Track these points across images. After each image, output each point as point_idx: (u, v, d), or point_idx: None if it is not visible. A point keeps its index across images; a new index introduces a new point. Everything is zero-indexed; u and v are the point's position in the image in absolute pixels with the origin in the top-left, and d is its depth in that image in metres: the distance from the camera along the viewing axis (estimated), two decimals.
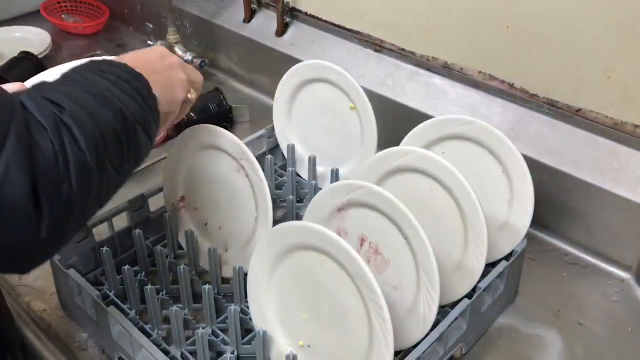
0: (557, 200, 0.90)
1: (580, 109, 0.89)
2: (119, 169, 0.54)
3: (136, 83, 0.58)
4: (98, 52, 1.45)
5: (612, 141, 0.86)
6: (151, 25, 1.42)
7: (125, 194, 0.98)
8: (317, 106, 0.94)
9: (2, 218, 0.43)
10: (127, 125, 0.54)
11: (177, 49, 1.31)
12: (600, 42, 0.83)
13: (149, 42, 1.37)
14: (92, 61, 0.58)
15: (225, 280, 0.82)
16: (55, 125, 0.47)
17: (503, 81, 0.95)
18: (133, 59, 0.62)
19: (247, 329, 0.76)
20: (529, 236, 0.79)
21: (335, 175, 0.93)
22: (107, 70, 0.56)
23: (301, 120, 0.97)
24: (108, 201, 0.55)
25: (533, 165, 0.82)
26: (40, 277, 0.86)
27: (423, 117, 0.94)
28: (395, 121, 0.94)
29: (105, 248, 0.78)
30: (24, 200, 0.44)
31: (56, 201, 0.46)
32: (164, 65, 0.66)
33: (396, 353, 0.70)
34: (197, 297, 0.80)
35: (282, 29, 1.20)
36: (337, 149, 0.93)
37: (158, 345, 0.71)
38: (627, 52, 0.81)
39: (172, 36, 1.28)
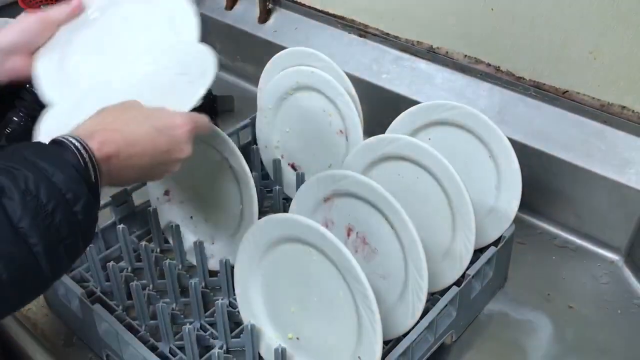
0: (545, 183, 0.89)
1: (567, 91, 0.88)
2: None
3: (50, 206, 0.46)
4: None
5: (599, 123, 0.85)
6: None
7: (109, 189, 0.97)
8: None
9: None
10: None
11: None
12: (586, 22, 0.82)
13: None
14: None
15: (212, 274, 0.81)
16: None
17: (489, 64, 0.94)
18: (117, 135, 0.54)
19: (236, 322, 0.75)
20: (517, 220, 0.78)
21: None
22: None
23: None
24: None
25: (520, 148, 0.82)
26: None
27: (409, 102, 0.93)
28: (381, 107, 0.93)
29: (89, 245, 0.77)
30: None
31: None
32: (164, 144, 0.58)
33: (387, 342, 0.70)
34: (185, 292, 0.79)
35: (265, 16, 1.18)
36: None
37: (145, 342, 0.71)
38: (612, 32, 0.80)
39: None
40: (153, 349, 0.69)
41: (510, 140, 0.76)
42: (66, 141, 0.51)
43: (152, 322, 0.75)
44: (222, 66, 1.29)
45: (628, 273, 0.84)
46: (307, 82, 0.85)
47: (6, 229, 0.44)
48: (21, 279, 0.46)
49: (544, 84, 0.90)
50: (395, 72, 1.02)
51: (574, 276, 0.85)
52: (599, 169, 0.84)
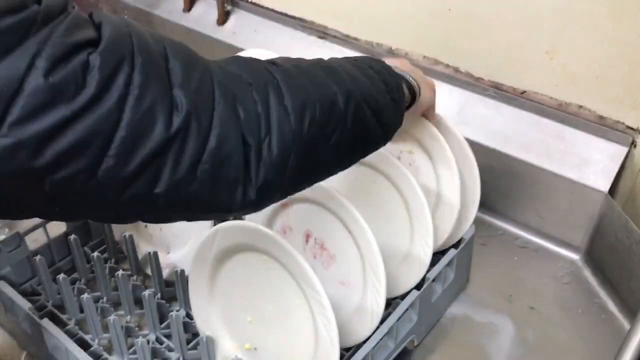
0: (505, 183, 0.89)
1: (525, 91, 0.88)
2: (335, 150, 0.49)
3: (385, 74, 0.56)
4: None
5: (558, 122, 0.86)
6: None
7: None
8: None
9: (221, 173, 0.42)
10: (355, 106, 0.50)
11: None
12: (542, 23, 0.82)
13: None
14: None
15: (169, 284, 0.78)
16: (261, 81, 0.45)
17: (448, 65, 0.94)
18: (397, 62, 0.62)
19: (193, 333, 0.73)
20: (478, 221, 0.78)
21: None
22: (360, 59, 0.56)
23: None
24: (318, 179, 0.52)
25: (479, 149, 0.81)
26: None
27: None
28: None
29: (39, 257, 0.74)
30: (239, 158, 0.43)
31: (261, 163, 0.44)
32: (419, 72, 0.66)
33: (347, 349, 0.68)
34: (140, 303, 0.76)
35: (223, 18, 1.16)
36: None
37: (98, 357, 0.68)
38: (567, 32, 0.80)
39: None
40: None
41: (470, 141, 0.75)
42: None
43: (105, 335, 0.72)
44: None
45: (588, 272, 0.85)
46: None
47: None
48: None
49: (503, 85, 0.89)
50: None
51: (535, 276, 0.85)
52: (558, 169, 0.84)
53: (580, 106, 0.84)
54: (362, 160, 0.70)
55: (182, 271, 0.73)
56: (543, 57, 0.83)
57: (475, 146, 0.75)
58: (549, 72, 0.84)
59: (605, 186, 0.81)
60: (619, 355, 0.71)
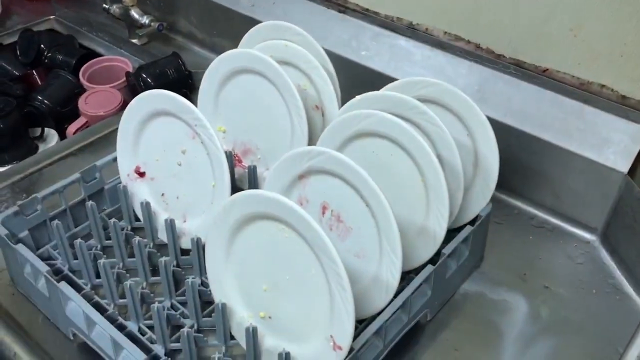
0: (522, 162, 0.89)
1: (547, 69, 0.87)
2: None
3: None
4: (51, 17, 1.38)
5: (579, 102, 0.85)
6: None
7: (78, 164, 0.94)
8: None
9: None
10: None
11: (134, 12, 1.26)
12: None
13: (104, 5, 1.31)
14: None
15: (184, 252, 0.79)
16: None
17: (469, 42, 0.93)
18: None
19: (207, 302, 0.73)
20: (494, 200, 0.77)
21: None
22: None
23: None
24: None
25: (499, 127, 0.80)
26: None
27: (387, 79, 0.91)
28: (359, 84, 0.91)
29: (56, 221, 0.75)
30: None
31: None
32: None
33: (361, 321, 0.69)
34: (155, 271, 0.77)
35: None
36: None
37: (114, 321, 0.69)
38: (593, 8, 0.79)
39: None
40: (121, 328, 0.68)
41: (489, 118, 0.75)
42: None
43: (121, 300, 0.73)
44: (198, 41, 1.28)
45: (604, 253, 0.84)
46: (281, 56, 0.83)
47: None
48: None
49: (524, 62, 0.88)
50: (374, 49, 1.00)
51: (550, 256, 0.84)
52: (577, 148, 0.83)
53: (603, 85, 0.82)
54: (378, 132, 0.71)
55: (199, 239, 0.73)
56: (567, 34, 0.82)
57: (493, 124, 0.74)
58: (573, 49, 0.82)
59: (625, 167, 0.80)
60: (635, 336, 0.71)
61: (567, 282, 0.81)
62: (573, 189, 0.86)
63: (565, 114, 0.85)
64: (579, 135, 0.84)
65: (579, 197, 0.86)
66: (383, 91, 0.77)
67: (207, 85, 0.87)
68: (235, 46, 0.92)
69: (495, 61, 0.90)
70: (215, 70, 0.85)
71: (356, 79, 0.97)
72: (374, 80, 0.96)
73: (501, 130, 0.83)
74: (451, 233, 0.73)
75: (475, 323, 0.76)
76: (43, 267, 0.70)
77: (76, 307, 0.68)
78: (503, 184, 0.83)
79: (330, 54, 0.84)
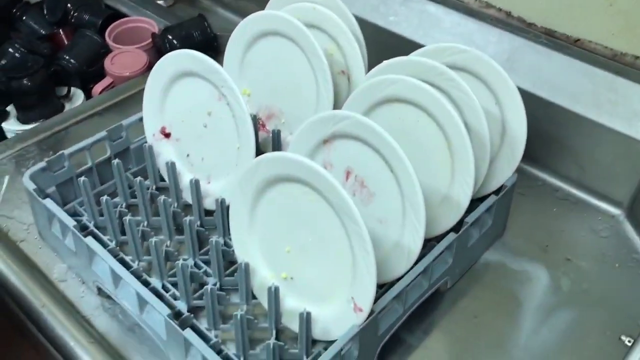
0: (550, 134, 0.87)
1: (579, 39, 0.85)
2: None
3: None
4: None
5: (611, 73, 0.83)
6: None
7: (106, 123, 0.95)
8: None
9: None
10: None
11: None
12: None
13: None
14: None
15: (208, 213, 0.80)
16: None
17: (500, 9, 0.91)
18: None
19: (230, 261, 0.74)
20: (519, 171, 0.77)
21: None
22: None
23: None
24: None
25: (527, 97, 0.79)
26: (17, 207, 0.84)
27: (415, 46, 0.89)
28: (386, 50, 0.90)
29: (83, 178, 0.76)
30: None
31: None
32: None
33: (381, 286, 0.69)
34: (180, 230, 0.78)
35: None
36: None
37: (138, 277, 0.70)
38: None
39: None
40: (145, 284, 0.69)
41: (517, 88, 0.74)
42: None
43: (145, 257, 0.74)
44: (224, 4, 1.27)
45: (629, 227, 0.83)
46: (308, 19, 0.82)
47: None
48: None
49: (556, 32, 0.87)
50: (403, 15, 0.98)
51: (573, 229, 0.84)
52: (607, 121, 0.82)
53: (637, 57, 0.81)
54: (404, 98, 0.70)
55: (223, 200, 0.74)
56: (602, 3, 0.80)
57: (521, 94, 0.73)
58: (607, 19, 0.81)
59: None
60: None
61: (589, 255, 0.80)
62: (600, 162, 0.85)
63: (596, 86, 0.83)
64: (609, 107, 0.82)
65: (606, 170, 0.85)
66: (411, 57, 0.76)
67: (233, 47, 0.86)
68: (262, 9, 0.91)
69: (526, 30, 0.89)
70: (242, 33, 0.85)
71: (383, 45, 0.96)
72: (402, 46, 0.95)
73: (529, 100, 0.82)
74: (474, 203, 0.72)
75: (495, 292, 0.76)
76: (70, 222, 0.71)
77: (102, 262, 0.69)
78: (528, 155, 0.81)
79: (358, 18, 0.83)
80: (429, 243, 0.73)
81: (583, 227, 0.84)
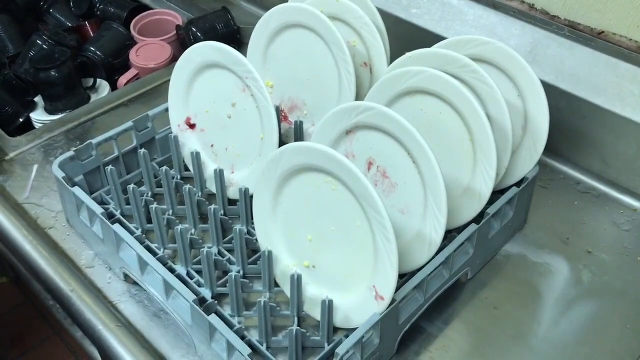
0: (572, 127, 0.87)
1: (602, 32, 0.85)
2: None
3: None
4: None
5: (635, 66, 0.82)
6: None
7: (131, 114, 0.97)
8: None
9: None
10: None
11: None
12: None
13: None
14: None
15: (231, 202, 0.81)
16: None
17: (523, 2, 0.91)
18: None
19: (253, 250, 0.76)
20: (541, 164, 0.77)
21: None
22: None
23: None
24: None
25: (549, 90, 0.79)
26: (46, 195, 0.86)
27: (438, 39, 0.90)
28: (408, 43, 0.90)
29: (110, 167, 0.78)
30: None
31: None
32: None
33: (402, 276, 0.70)
34: (203, 219, 0.80)
35: None
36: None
37: (164, 264, 0.72)
38: None
39: None
40: (171, 271, 0.70)
41: (540, 80, 0.74)
42: None
43: (170, 245, 0.76)
44: None
45: None
46: (331, 11, 0.83)
47: None
48: None
49: (579, 24, 0.86)
50: (425, 7, 0.99)
51: (594, 222, 0.84)
52: (630, 114, 0.82)
53: None
54: (427, 89, 0.71)
55: (246, 189, 0.75)
56: None
57: (544, 86, 0.73)
58: (632, 11, 0.80)
59: None
60: None
61: (610, 248, 0.80)
62: (623, 155, 0.84)
63: (620, 78, 0.83)
64: (632, 100, 0.82)
65: (628, 163, 0.84)
66: (433, 48, 0.77)
67: (256, 39, 0.87)
68: (285, 1, 0.92)
69: (549, 22, 0.88)
70: (266, 24, 0.86)
71: (405, 37, 0.96)
72: (424, 38, 0.95)
73: (552, 93, 0.82)
74: (495, 194, 0.73)
75: (515, 284, 0.76)
76: (98, 209, 0.73)
77: (128, 248, 0.71)
78: (550, 148, 0.82)
79: (380, 11, 0.83)
80: (450, 234, 0.74)
81: (604, 219, 0.84)
